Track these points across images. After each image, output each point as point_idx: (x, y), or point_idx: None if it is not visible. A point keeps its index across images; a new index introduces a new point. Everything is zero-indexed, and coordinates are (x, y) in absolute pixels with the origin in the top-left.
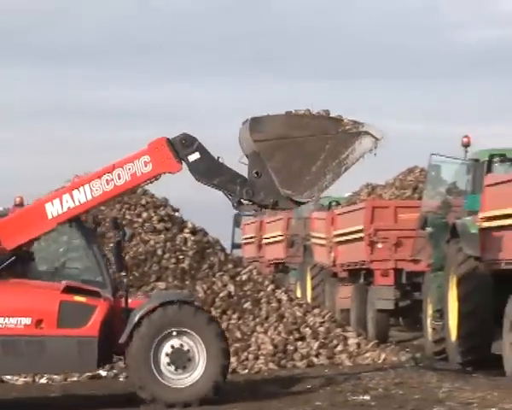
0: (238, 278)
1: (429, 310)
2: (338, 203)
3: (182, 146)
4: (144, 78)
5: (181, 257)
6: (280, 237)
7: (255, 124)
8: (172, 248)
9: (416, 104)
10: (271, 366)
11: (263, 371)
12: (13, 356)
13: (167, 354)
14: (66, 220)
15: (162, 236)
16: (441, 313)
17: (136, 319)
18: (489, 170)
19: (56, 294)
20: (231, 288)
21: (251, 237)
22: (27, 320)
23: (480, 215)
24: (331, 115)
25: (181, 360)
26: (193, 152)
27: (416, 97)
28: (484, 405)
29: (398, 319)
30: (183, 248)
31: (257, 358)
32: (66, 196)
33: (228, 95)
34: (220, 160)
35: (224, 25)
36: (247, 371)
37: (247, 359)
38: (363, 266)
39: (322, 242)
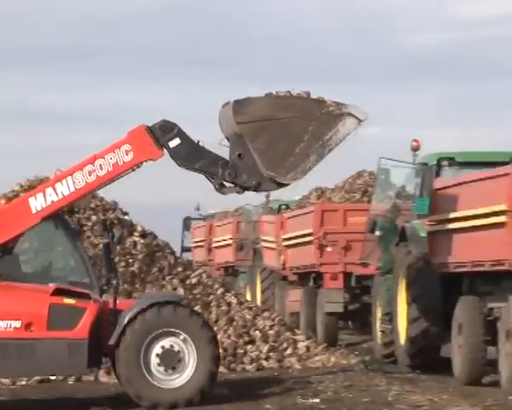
0: (188, 282)
1: (378, 313)
2: (287, 207)
3: (162, 132)
4: (89, 82)
5: (130, 260)
6: (230, 241)
7: (238, 106)
8: (122, 251)
9: (366, 108)
10: (221, 369)
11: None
12: (3, 359)
13: (157, 355)
14: (51, 214)
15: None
16: (390, 317)
17: (126, 320)
18: (438, 174)
19: (46, 296)
20: (181, 291)
21: (201, 241)
22: (17, 323)
23: (429, 219)
24: (314, 97)
25: (171, 361)
26: (173, 138)
27: (366, 101)
28: (433, 407)
29: (348, 323)
30: (133, 251)
31: None
32: (49, 190)
33: (174, 97)
34: (200, 143)
35: (171, 27)
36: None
37: None
38: (313, 270)
39: (272, 245)
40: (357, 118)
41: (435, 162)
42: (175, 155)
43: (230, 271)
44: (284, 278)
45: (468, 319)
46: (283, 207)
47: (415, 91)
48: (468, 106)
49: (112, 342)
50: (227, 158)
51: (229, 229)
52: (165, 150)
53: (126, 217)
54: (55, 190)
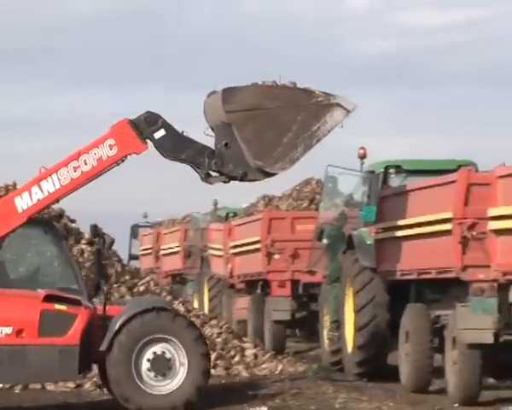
0: (135, 290)
1: (326, 321)
2: (235, 214)
3: (146, 124)
4: (29, 88)
5: None
6: (177, 248)
7: (227, 95)
8: None
9: None
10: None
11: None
12: None
13: (148, 361)
14: (38, 212)
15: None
16: (338, 324)
17: (117, 326)
18: (384, 181)
19: (37, 303)
20: (128, 299)
21: (148, 248)
22: (8, 330)
23: (376, 227)
24: (302, 87)
25: (162, 366)
26: (158, 129)
27: None
28: None
29: (295, 330)
30: (80, 259)
31: None
32: (34, 188)
33: (117, 104)
34: (185, 134)
35: (112, 35)
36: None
37: None
38: (260, 277)
39: (220, 253)
40: (345, 108)
41: (382, 170)
42: (160, 146)
43: (178, 278)
44: (232, 285)
45: (415, 326)
46: (231, 214)
47: (362, 99)
48: (416, 114)
49: (103, 348)
50: (212, 148)
51: (176, 236)
52: (149, 143)
53: (74, 224)
54: (40, 187)
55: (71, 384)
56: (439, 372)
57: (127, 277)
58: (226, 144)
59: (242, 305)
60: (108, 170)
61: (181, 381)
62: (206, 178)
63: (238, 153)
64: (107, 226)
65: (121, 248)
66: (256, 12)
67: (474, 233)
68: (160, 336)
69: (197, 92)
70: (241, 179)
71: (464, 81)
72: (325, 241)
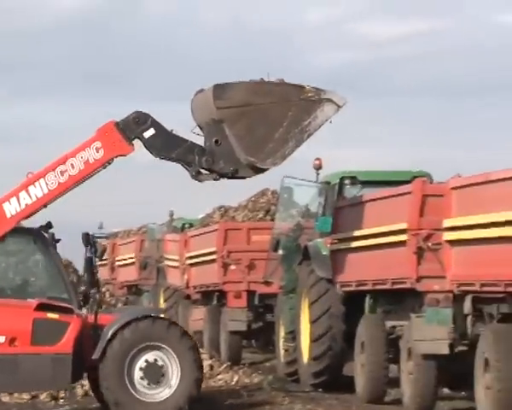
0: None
1: (282, 332)
2: (191, 225)
3: (136, 124)
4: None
5: None
6: (133, 259)
7: (219, 91)
8: None
9: None
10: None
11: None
12: None
13: (141, 369)
14: (26, 217)
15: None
16: (293, 335)
17: (110, 334)
18: (340, 192)
19: (29, 311)
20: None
21: (104, 259)
22: (1, 339)
23: (331, 238)
24: (293, 82)
25: (155, 374)
26: (147, 128)
27: None
28: None
29: (251, 341)
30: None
31: None
32: (22, 194)
33: (73, 114)
34: (174, 132)
35: (65, 43)
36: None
37: None
38: (216, 288)
39: (176, 264)
40: (335, 104)
41: (338, 181)
42: (150, 145)
43: (134, 289)
44: (188, 296)
45: (371, 337)
46: (187, 225)
47: None
48: (372, 125)
49: (96, 356)
50: (202, 145)
51: (132, 247)
52: (135, 145)
53: None
54: (28, 193)
55: (26, 396)
56: (395, 383)
57: (83, 287)
58: (216, 141)
59: (198, 316)
60: (95, 173)
61: (173, 389)
62: (197, 175)
63: (229, 150)
64: (63, 237)
65: (76, 260)
66: (210, 22)
67: (429, 244)
68: (154, 344)
69: (155, 103)
70: (232, 176)
71: (421, 92)
72: (281, 252)
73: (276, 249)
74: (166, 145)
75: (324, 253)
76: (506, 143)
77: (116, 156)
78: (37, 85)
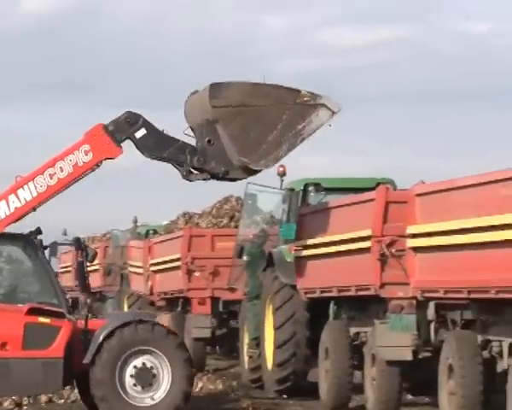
0: None
1: (246, 338)
2: (155, 232)
3: (127, 125)
4: None
5: None
6: (97, 266)
7: (215, 90)
8: None
9: None
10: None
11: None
12: None
13: (132, 373)
14: (16, 221)
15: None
16: (258, 342)
17: (101, 338)
18: (304, 199)
19: (20, 316)
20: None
21: (68, 266)
22: None
23: (295, 244)
24: (289, 86)
25: (146, 378)
26: (139, 128)
27: None
28: None
29: (215, 348)
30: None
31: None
32: (11, 197)
33: (34, 122)
34: (165, 132)
35: (28, 50)
36: (62, 401)
37: None
38: (181, 295)
39: (139, 270)
40: (330, 109)
41: (302, 188)
42: (142, 145)
43: (98, 296)
44: (152, 303)
45: (335, 343)
46: (151, 232)
47: None
48: (335, 132)
49: (87, 360)
50: (194, 145)
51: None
52: (124, 147)
53: None
54: (17, 196)
55: None
56: (359, 389)
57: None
58: (209, 141)
59: (163, 322)
60: (84, 176)
61: (167, 389)
62: (188, 175)
63: (221, 150)
64: None
65: None
66: (173, 31)
67: (393, 251)
68: (145, 348)
69: (116, 110)
70: (223, 177)
71: (384, 100)
72: (245, 258)
73: (240, 256)
74: (158, 145)
75: (288, 259)
76: (468, 150)
77: (105, 159)
78: None
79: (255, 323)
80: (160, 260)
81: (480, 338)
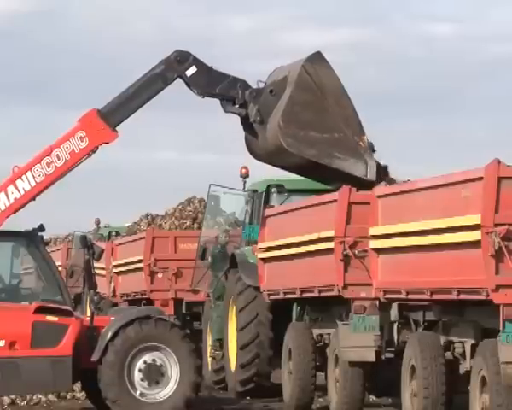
0: None
1: (209, 340)
2: (118, 233)
3: (177, 63)
4: None
5: None
6: (59, 267)
7: (316, 58)
8: None
9: (196, 136)
10: (51, 397)
11: (42, 403)
12: None
13: (140, 369)
14: (15, 211)
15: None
16: (221, 343)
17: (110, 335)
18: (267, 201)
19: (29, 315)
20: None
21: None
22: (1, 343)
23: (259, 246)
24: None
25: (154, 374)
26: (189, 66)
27: (203, 129)
28: None
29: None
30: None
31: None
32: (10, 188)
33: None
34: (214, 68)
35: None
36: (25, 403)
37: None
38: (144, 296)
39: (102, 272)
40: (366, 171)
41: (264, 189)
42: (194, 83)
43: None
44: (115, 304)
45: (298, 344)
46: (113, 233)
47: None
48: None
49: (95, 358)
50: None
51: (58, 255)
52: (174, 85)
53: None
54: (16, 186)
55: None
56: (322, 390)
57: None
58: (271, 91)
59: None
60: (81, 162)
61: (176, 382)
62: (226, 106)
63: (273, 103)
64: None
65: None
66: (138, 30)
67: (356, 252)
68: (154, 344)
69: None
70: (250, 126)
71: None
72: (208, 260)
73: (203, 257)
74: (209, 82)
75: (251, 261)
76: (430, 154)
77: (101, 144)
78: None
79: (218, 324)
80: (122, 261)
81: (442, 339)
